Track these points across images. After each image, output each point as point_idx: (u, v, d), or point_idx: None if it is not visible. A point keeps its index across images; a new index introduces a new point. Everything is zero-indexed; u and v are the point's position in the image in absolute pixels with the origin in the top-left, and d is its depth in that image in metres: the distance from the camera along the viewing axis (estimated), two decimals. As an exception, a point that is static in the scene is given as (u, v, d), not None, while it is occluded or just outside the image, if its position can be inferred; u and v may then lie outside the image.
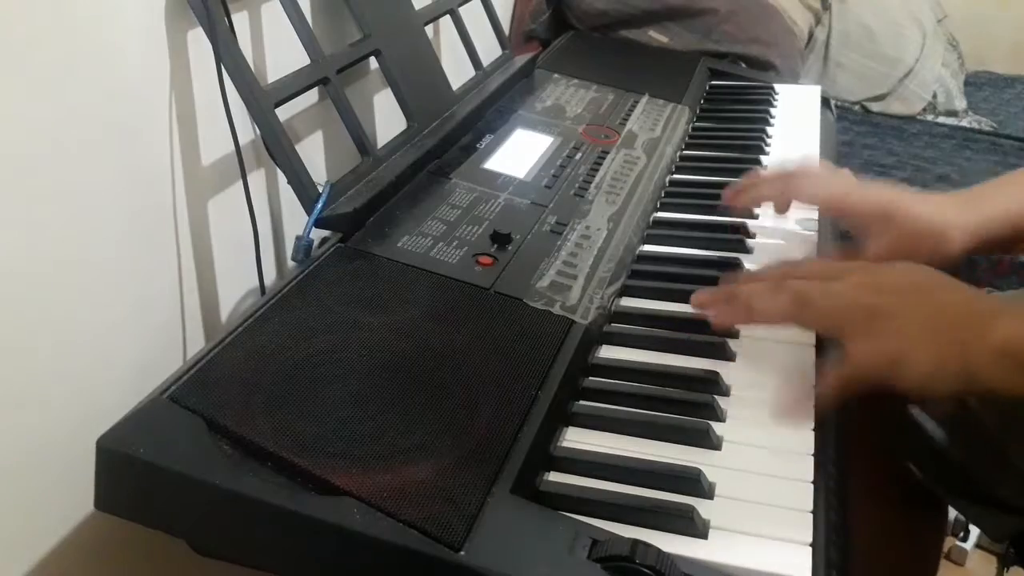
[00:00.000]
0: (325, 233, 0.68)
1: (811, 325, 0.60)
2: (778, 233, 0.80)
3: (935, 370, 0.53)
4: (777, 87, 1.19)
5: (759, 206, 0.81)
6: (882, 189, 0.71)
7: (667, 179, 0.90)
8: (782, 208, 0.79)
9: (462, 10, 1.00)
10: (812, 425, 0.56)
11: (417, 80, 0.85)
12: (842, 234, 0.79)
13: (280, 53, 0.79)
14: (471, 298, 0.62)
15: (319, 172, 0.88)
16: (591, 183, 0.82)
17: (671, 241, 0.78)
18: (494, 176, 0.79)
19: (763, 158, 0.96)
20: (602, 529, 0.46)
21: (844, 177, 0.75)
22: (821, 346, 0.64)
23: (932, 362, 0.53)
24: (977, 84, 2.03)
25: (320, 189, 0.68)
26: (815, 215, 0.82)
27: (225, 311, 0.78)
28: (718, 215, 0.82)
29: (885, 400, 0.75)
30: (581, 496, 0.49)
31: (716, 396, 0.58)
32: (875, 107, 1.84)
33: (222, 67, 0.66)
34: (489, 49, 1.06)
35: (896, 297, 0.57)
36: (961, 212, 0.68)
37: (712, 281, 0.71)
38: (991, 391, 0.53)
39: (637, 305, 0.69)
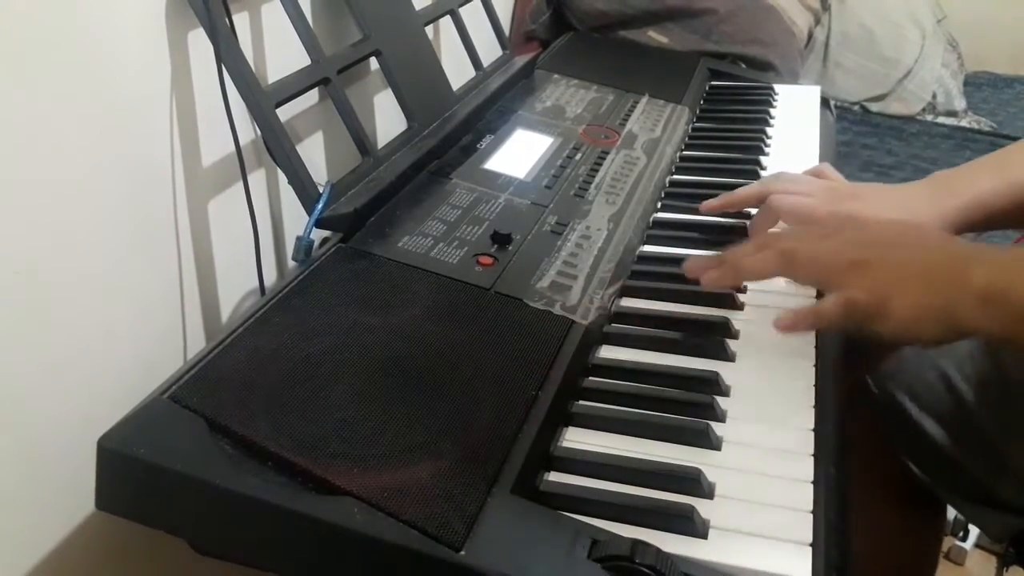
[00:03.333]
0: (325, 233, 0.68)
1: (797, 277, 0.62)
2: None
3: (918, 314, 0.54)
4: (777, 87, 1.19)
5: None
6: (855, 200, 0.71)
7: (667, 179, 0.90)
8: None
9: (462, 11, 1.00)
10: (811, 418, 0.57)
11: (417, 80, 0.85)
12: None
13: (281, 53, 0.79)
14: (471, 298, 0.62)
15: (320, 172, 0.88)
16: (591, 183, 0.82)
17: (671, 241, 0.79)
18: (494, 176, 0.79)
19: (763, 158, 0.96)
20: (602, 529, 0.46)
21: (817, 191, 0.74)
22: (821, 346, 0.64)
23: (915, 306, 0.54)
24: (976, 84, 2.03)
25: (321, 189, 0.68)
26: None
27: (225, 311, 0.78)
28: (718, 216, 0.82)
29: (883, 398, 0.75)
30: (581, 496, 0.49)
31: (716, 396, 0.58)
32: (874, 107, 1.85)
33: (223, 67, 0.66)
34: (489, 49, 1.06)
35: (880, 249, 0.58)
36: (932, 203, 0.69)
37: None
38: (973, 335, 0.55)
39: (637, 305, 0.69)
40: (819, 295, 0.65)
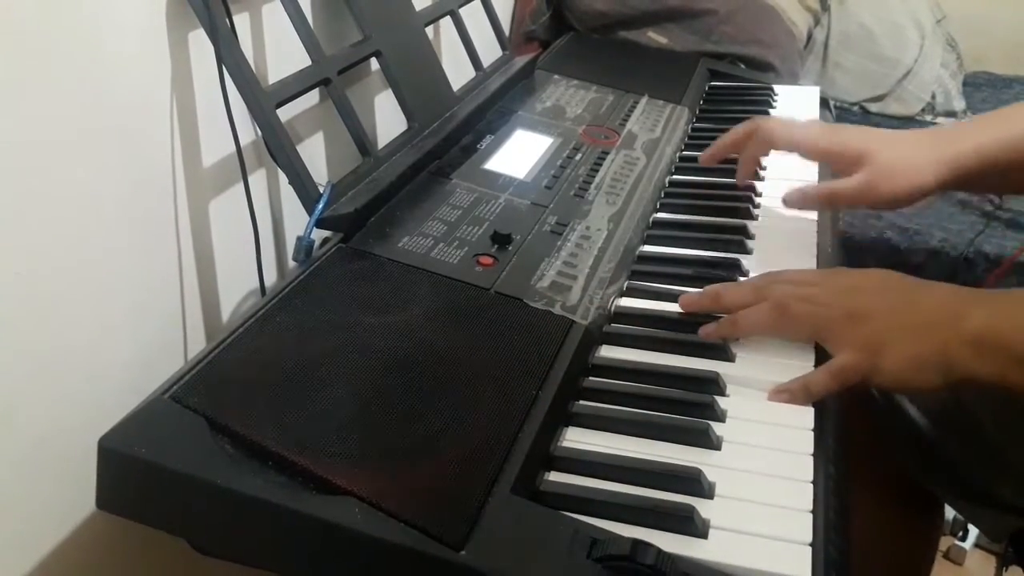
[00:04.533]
0: (326, 233, 0.68)
1: (793, 333, 0.62)
2: (778, 234, 0.80)
3: (915, 365, 0.55)
4: (776, 88, 1.19)
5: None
6: (854, 132, 0.75)
7: (667, 180, 0.90)
8: (749, 169, 0.84)
9: (462, 11, 1.00)
10: (811, 418, 0.57)
11: (417, 81, 0.86)
12: (842, 238, 0.80)
13: (281, 54, 0.79)
14: (471, 298, 0.62)
15: (320, 172, 0.88)
16: (591, 184, 0.82)
17: (671, 241, 0.79)
18: (494, 177, 0.79)
19: (762, 158, 0.96)
20: (602, 529, 0.46)
21: (814, 123, 0.79)
22: (821, 346, 0.64)
23: (911, 357, 0.55)
24: (976, 85, 2.03)
25: (321, 189, 0.68)
26: (814, 216, 0.82)
27: (226, 311, 0.78)
28: (717, 216, 0.82)
29: (883, 398, 0.75)
30: (581, 496, 0.49)
31: (716, 396, 0.58)
32: (874, 108, 1.85)
33: (223, 68, 0.66)
34: (489, 50, 1.06)
35: (872, 298, 0.59)
36: (934, 147, 0.71)
37: (712, 281, 0.72)
38: (970, 381, 0.54)
39: (637, 305, 0.69)
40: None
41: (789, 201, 0.77)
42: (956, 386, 0.55)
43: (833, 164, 0.78)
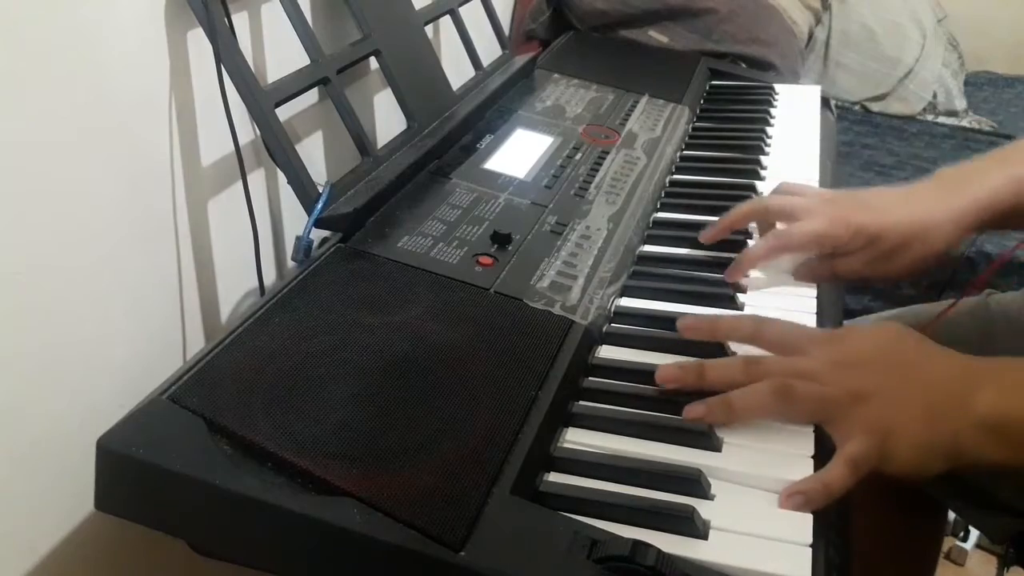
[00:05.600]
0: (325, 233, 0.68)
1: (796, 418, 0.56)
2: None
3: (924, 453, 0.52)
4: (777, 87, 1.19)
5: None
6: (862, 211, 0.69)
7: (667, 179, 0.90)
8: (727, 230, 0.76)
9: (462, 10, 1.00)
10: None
11: (417, 80, 0.85)
12: None
13: (280, 53, 0.79)
14: (471, 298, 0.61)
15: (319, 172, 0.88)
16: (591, 183, 0.82)
17: (671, 241, 0.78)
18: (494, 176, 0.79)
19: (763, 158, 0.96)
20: (602, 529, 0.46)
21: (818, 204, 0.71)
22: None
23: (920, 445, 0.52)
24: (977, 84, 2.03)
25: (320, 189, 0.68)
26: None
27: (225, 311, 0.78)
28: (718, 216, 0.82)
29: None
30: (581, 496, 0.49)
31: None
32: (875, 107, 1.85)
33: (222, 67, 0.66)
34: (489, 49, 1.06)
35: (876, 374, 0.55)
36: (945, 204, 0.67)
37: (712, 283, 0.72)
38: (979, 464, 0.53)
39: (637, 305, 0.68)
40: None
41: (798, 275, 0.72)
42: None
43: (847, 250, 0.69)
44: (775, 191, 0.77)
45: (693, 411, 0.55)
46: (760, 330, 0.59)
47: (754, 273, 0.73)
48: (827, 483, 0.50)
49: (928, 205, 0.68)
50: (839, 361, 0.56)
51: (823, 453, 0.53)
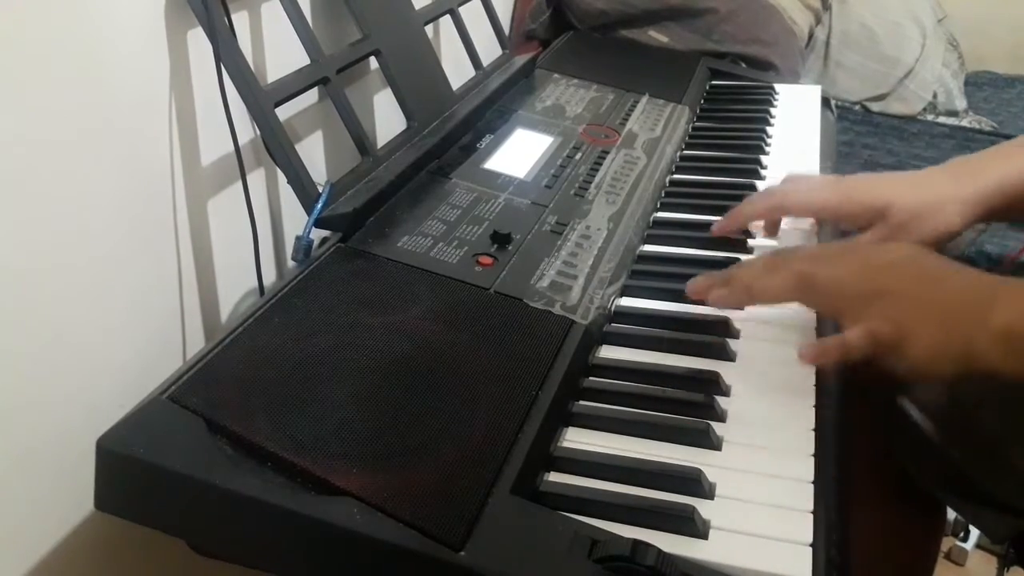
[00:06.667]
0: (325, 233, 0.68)
1: (813, 304, 0.60)
2: (779, 232, 0.80)
3: (936, 352, 0.53)
4: (777, 87, 1.19)
5: (750, 226, 0.79)
6: (870, 186, 0.71)
7: (667, 179, 0.90)
8: (772, 230, 0.79)
9: (462, 10, 1.00)
10: (812, 418, 0.56)
11: (417, 80, 0.85)
12: (843, 233, 0.79)
13: (280, 53, 0.78)
14: (471, 298, 0.61)
15: (319, 172, 0.88)
16: (591, 183, 0.82)
17: (671, 241, 0.78)
18: (494, 176, 0.79)
19: (763, 158, 0.96)
20: (602, 529, 0.46)
21: (828, 182, 0.74)
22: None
23: (933, 344, 0.53)
24: (977, 84, 2.03)
25: (320, 189, 0.68)
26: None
27: (225, 311, 0.78)
28: (719, 215, 0.82)
29: (883, 398, 0.75)
30: (581, 496, 0.49)
31: (716, 396, 0.57)
32: (875, 107, 1.84)
33: (222, 67, 0.66)
34: (489, 49, 1.06)
35: (897, 277, 0.57)
36: (955, 186, 0.68)
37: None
38: (991, 373, 0.53)
39: (637, 305, 0.68)
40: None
41: None
42: (962, 376, 0.54)
43: (853, 224, 0.73)
44: (783, 181, 0.78)
45: (715, 294, 0.60)
46: (781, 266, 0.60)
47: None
48: (846, 341, 0.54)
49: (937, 187, 0.69)
50: (863, 263, 0.58)
51: (824, 452, 0.53)
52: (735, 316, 0.66)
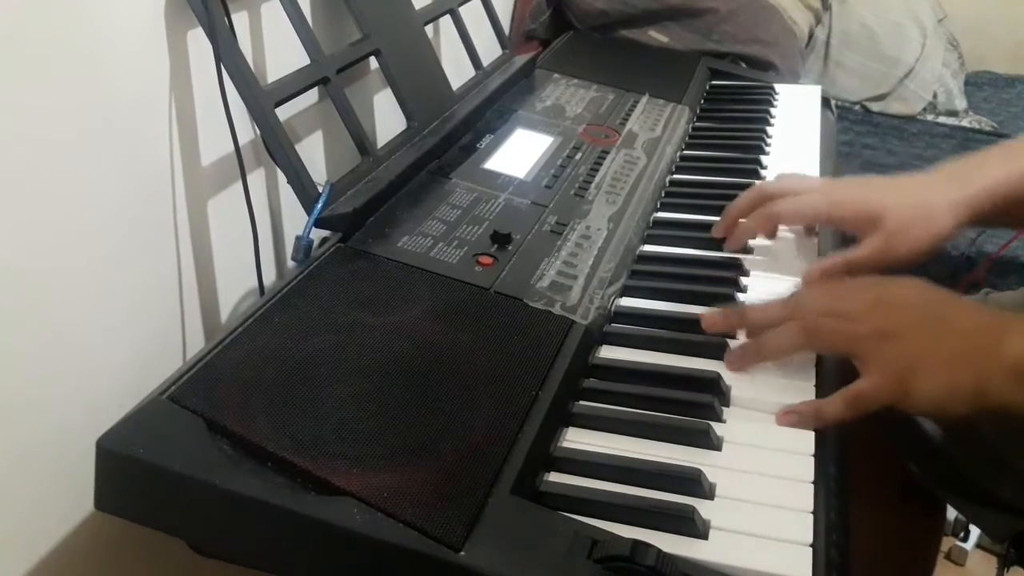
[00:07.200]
0: (325, 233, 0.68)
1: (821, 350, 0.60)
2: (780, 232, 0.80)
3: (948, 392, 0.53)
4: (777, 87, 1.19)
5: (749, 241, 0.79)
6: (860, 190, 0.71)
7: (667, 179, 0.90)
8: (771, 235, 0.78)
9: (462, 10, 1.00)
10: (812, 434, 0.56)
11: (417, 80, 0.85)
12: (844, 236, 0.79)
13: (280, 53, 0.78)
14: (471, 298, 0.61)
15: (319, 172, 0.88)
16: (591, 183, 0.82)
17: (671, 241, 0.78)
18: (494, 176, 0.79)
19: (763, 158, 0.96)
20: (602, 529, 0.46)
21: (820, 186, 0.75)
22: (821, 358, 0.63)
23: (944, 385, 0.53)
24: (977, 84, 2.03)
25: (320, 189, 0.68)
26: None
27: (225, 311, 0.78)
28: (719, 215, 0.82)
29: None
30: (581, 496, 0.49)
31: (716, 396, 0.57)
32: (875, 107, 1.84)
33: (222, 67, 0.66)
34: (489, 49, 1.06)
35: (904, 316, 0.57)
36: (947, 190, 0.69)
37: (713, 281, 0.72)
38: (1003, 409, 0.53)
39: (637, 305, 0.68)
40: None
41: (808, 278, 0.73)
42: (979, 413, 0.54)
43: (846, 230, 0.74)
44: (775, 179, 0.79)
45: (730, 359, 0.61)
46: (792, 309, 0.61)
47: (755, 274, 0.73)
48: (820, 409, 0.55)
49: (928, 192, 0.69)
50: (870, 302, 0.58)
51: (824, 452, 0.53)
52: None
